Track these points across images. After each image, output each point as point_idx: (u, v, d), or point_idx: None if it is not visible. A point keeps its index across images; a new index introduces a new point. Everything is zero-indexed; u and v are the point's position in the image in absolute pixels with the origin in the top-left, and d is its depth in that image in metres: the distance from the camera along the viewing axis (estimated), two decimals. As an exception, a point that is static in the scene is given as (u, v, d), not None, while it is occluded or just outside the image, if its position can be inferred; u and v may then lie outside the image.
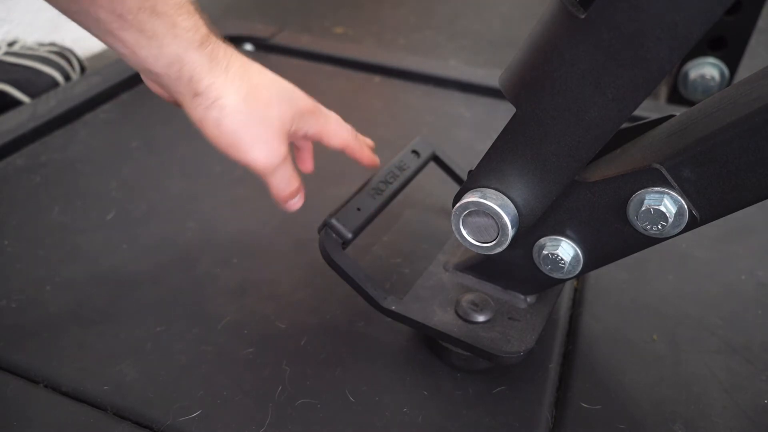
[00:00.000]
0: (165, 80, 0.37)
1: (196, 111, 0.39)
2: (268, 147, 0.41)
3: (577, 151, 0.34)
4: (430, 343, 0.47)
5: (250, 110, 0.39)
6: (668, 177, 0.33)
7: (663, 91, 0.96)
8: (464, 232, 0.40)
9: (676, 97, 0.92)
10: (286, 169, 0.43)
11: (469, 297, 0.45)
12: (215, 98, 0.38)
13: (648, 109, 0.75)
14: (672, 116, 0.38)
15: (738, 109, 0.31)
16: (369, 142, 0.51)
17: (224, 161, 0.43)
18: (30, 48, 0.95)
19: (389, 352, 0.47)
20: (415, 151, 0.54)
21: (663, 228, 0.34)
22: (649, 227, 0.34)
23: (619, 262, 0.39)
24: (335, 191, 0.64)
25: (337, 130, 0.46)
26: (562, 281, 0.42)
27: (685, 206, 0.33)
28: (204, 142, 0.41)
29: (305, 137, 0.46)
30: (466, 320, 0.43)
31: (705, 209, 0.33)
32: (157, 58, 0.36)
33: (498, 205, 0.37)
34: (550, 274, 0.40)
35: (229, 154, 0.41)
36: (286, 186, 0.44)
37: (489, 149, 0.37)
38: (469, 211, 0.39)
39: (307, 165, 0.52)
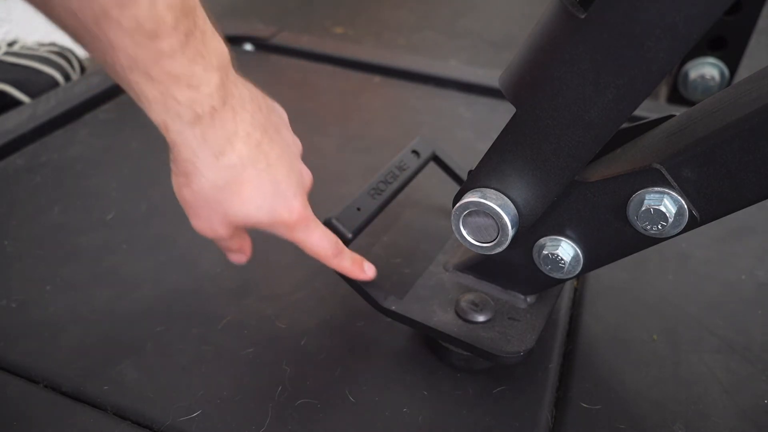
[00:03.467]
0: None
1: (171, 163, 0.38)
2: (211, 228, 0.39)
3: (577, 151, 0.34)
4: (430, 343, 0.47)
5: (215, 200, 0.38)
6: (668, 177, 0.33)
7: (663, 91, 0.96)
8: (464, 232, 0.40)
9: (676, 97, 0.93)
10: (225, 243, 0.43)
11: (469, 297, 0.45)
12: (187, 174, 0.37)
13: (648, 109, 0.75)
14: (672, 116, 0.38)
15: (738, 109, 0.31)
16: (359, 259, 0.46)
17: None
18: (30, 48, 0.95)
19: (389, 352, 0.47)
20: (415, 151, 0.54)
21: (663, 228, 0.34)
22: (649, 227, 0.34)
23: (619, 262, 0.39)
24: (335, 191, 0.64)
25: (314, 247, 0.43)
26: (562, 281, 0.42)
27: (685, 206, 0.33)
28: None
29: None
30: (466, 320, 0.43)
31: (705, 209, 0.33)
32: (147, 112, 0.34)
33: (498, 205, 0.37)
34: (550, 274, 0.40)
35: None
36: (220, 246, 0.44)
37: (489, 149, 0.37)
38: (469, 211, 0.39)
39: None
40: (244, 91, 0.37)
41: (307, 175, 0.43)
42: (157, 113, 0.34)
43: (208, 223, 0.39)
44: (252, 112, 0.37)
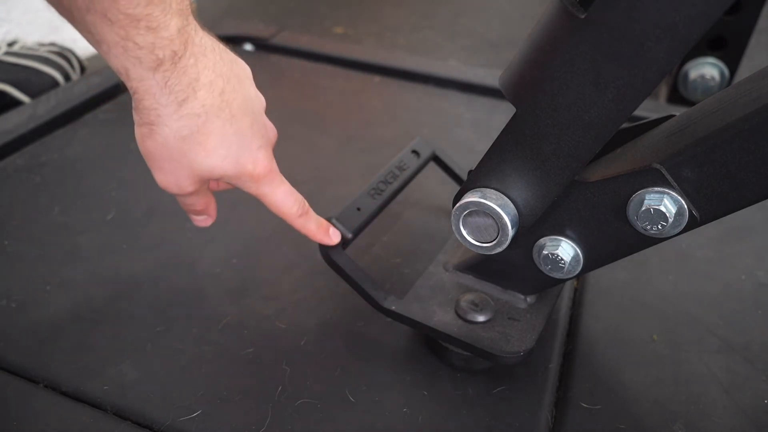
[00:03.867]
0: None
1: (134, 112, 0.37)
2: (174, 181, 0.39)
3: (577, 151, 0.34)
4: (430, 343, 0.47)
5: (179, 150, 0.37)
6: (668, 177, 0.33)
7: (663, 91, 0.96)
8: (464, 232, 0.40)
9: (676, 97, 0.93)
10: (188, 198, 0.42)
11: (469, 297, 0.45)
12: (150, 123, 0.36)
13: (648, 109, 0.75)
14: (672, 116, 0.38)
15: (738, 109, 0.31)
16: (325, 224, 0.45)
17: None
18: (30, 48, 0.95)
19: (389, 352, 0.47)
20: (415, 151, 0.54)
21: (663, 228, 0.34)
22: (649, 227, 0.34)
23: (619, 262, 0.39)
24: (335, 191, 0.64)
25: (279, 204, 0.42)
26: (562, 281, 0.42)
27: (685, 206, 0.33)
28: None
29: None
30: (466, 320, 0.43)
31: (705, 209, 0.33)
32: (107, 59, 0.33)
33: (498, 205, 0.37)
34: (550, 274, 0.40)
35: None
36: (186, 207, 0.44)
37: (489, 149, 0.37)
38: (469, 211, 0.39)
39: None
40: (206, 39, 0.37)
41: (271, 130, 0.43)
42: (117, 58, 0.33)
43: (173, 176, 0.39)
44: (214, 61, 0.37)
